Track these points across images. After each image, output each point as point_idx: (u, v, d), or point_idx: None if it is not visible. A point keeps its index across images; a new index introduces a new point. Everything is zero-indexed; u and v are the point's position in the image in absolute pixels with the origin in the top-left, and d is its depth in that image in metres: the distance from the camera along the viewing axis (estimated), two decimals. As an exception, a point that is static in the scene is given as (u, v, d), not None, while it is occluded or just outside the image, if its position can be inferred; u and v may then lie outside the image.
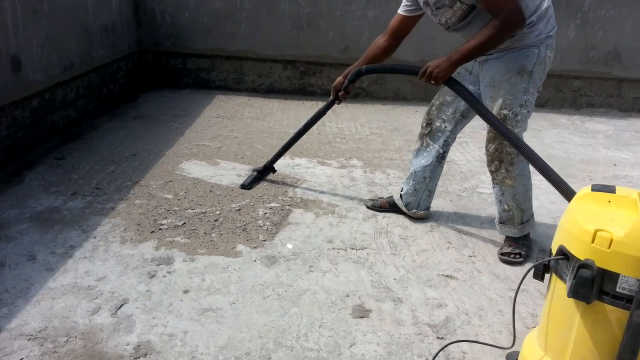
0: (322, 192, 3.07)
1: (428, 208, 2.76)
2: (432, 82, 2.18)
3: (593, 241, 1.33)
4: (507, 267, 2.38)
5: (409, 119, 4.78)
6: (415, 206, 2.73)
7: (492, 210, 2.95)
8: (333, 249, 2.45)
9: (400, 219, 2.77)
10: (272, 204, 2.86)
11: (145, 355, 1.71)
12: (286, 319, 1.93)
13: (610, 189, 1.48)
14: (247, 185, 3.03)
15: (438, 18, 2.28)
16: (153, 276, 2.14)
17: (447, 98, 2.53)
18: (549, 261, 1.50)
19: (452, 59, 2.13)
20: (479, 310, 2.05)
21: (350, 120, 4.62)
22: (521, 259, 2.41)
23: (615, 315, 1.34)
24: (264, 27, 5.21)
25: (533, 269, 1.53)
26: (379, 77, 5.33)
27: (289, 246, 2.44)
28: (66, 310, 1.90)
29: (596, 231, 1.33)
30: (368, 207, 2.88)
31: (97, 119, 4.24)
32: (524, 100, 2.23)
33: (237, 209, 2.78)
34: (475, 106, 2.15)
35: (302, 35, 5.24)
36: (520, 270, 2.35)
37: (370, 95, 5.40)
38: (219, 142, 3.86)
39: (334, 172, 3.39)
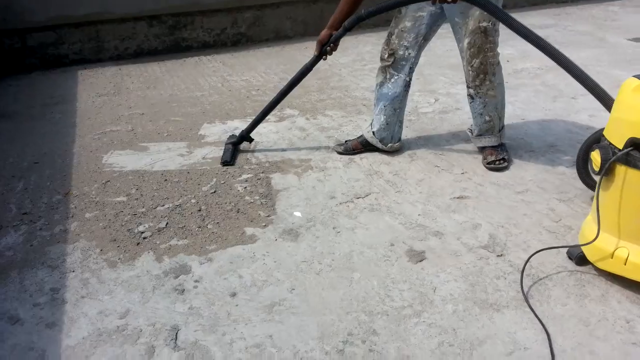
0: (284, 150, 2.86)
1: (400, 139, 2.76)
2: (450, 0, 2.07)
3: (680, 124, 1.44)
4: (498, 174, 2.51)
5: (305, 56, 4.62)
6: (390, 140, 2.70)
7: (446, 126, 3.06)
8: (340, 203, 2.32)
9: (377, 156, 2.73)
10: (244, 176, 2.59)
11: (245, 377, 1.48)
12: (356, 287, 1.81)
13: (658, 76, 1.61)
14: (230, 161, 2.69)
15: None
16: (183, 290, 1.81)
17: (406, 24, 2.46)
18: (617, 157, 1.59)
19: None
20: (509, 220, 2.15)
21: (250, 69, 4.31)
22: (506, 164, 2.56)
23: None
24: (116, -19, 4.47)
25: (604, 170, 1.62)
26: (257, 18, 5.00)
27: (298, 214, 2.25)
28: (110, 365, 1.53)
29: (682, 115, 1.44)
30: (340, 153, 2.77)
31: (-54, 130, 3.31)
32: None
33: (212, 191, 2.46)
34: (504, 19, 1.98)
35: (163, -15, 4.62)
36: (510, 173, 2.50)
37: (251, 39, 5.07)
38: (126, 124, 3.32)
39: (278, 127, 3.16)
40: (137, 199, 2.42)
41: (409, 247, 2.01)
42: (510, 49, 4.46)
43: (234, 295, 1.79)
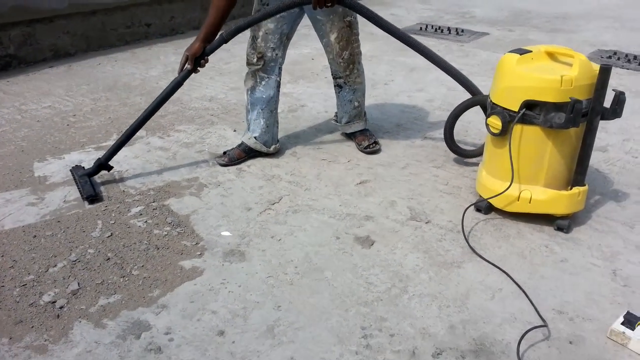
0: (160, 173, 2.56)
1: (279, 139, 2.77)
2: (329, 4, 2.13)
3: (561, 85, 1.87)
4: (377, 156, 2.76)
5: (104, 72, 4.13)
6: (272, 142, 2.70)
7: (303, 123, 3.19)
8: (261, 213, 2.24)
9: (262, 160, 2.69)
10: (134, 210, 2.25)
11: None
12: (336, 284, 1.80)
13: (525, 50, 2.03)
14: (95, 195, 2.26)
15: None
16: (160, 348, 1.52)
17: (269, 25, 2.46)
18: (518, 117, 1.97)
19: None
20: (412, 192, 2.41)
21: (46, 95, 3.64)
22: (379, 146, 2.82)
23: (574, 131, 1.97)
24: None
25: (514, 123, 1.97)
26: (28, 36, 4.22)
27: (227, 233, 2.09)
28: None
29: (562, 77, 1.86)
30: (224, 165, 2.63)
31: None
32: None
33: (108, 235, 2.07)
34: (375, 19, 2.21)
35: None
36: (385, 154, 2.78)
37: (24, 60, 4.25)
38: None
39: (134, 151, 2.80)
40: (12, 266, 1.88)
41: (354, 236, 2.08)
42: (307, 48, 4.80)
43: (222, 333, 1.59)
